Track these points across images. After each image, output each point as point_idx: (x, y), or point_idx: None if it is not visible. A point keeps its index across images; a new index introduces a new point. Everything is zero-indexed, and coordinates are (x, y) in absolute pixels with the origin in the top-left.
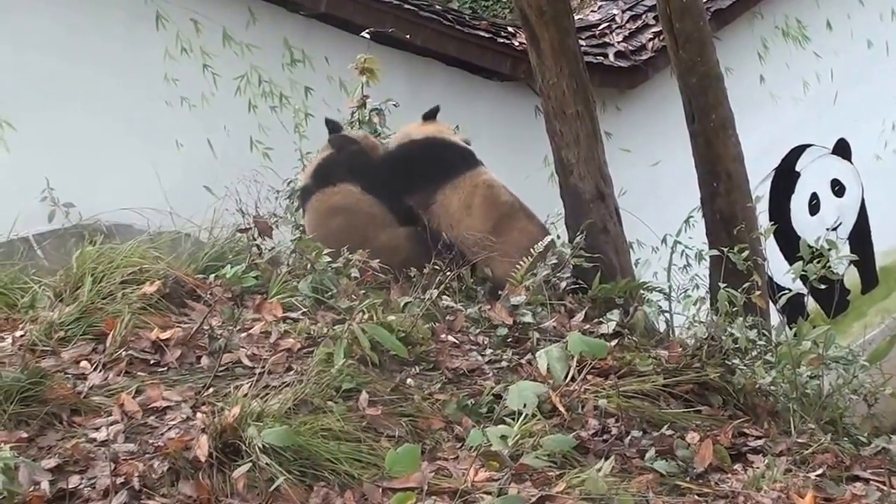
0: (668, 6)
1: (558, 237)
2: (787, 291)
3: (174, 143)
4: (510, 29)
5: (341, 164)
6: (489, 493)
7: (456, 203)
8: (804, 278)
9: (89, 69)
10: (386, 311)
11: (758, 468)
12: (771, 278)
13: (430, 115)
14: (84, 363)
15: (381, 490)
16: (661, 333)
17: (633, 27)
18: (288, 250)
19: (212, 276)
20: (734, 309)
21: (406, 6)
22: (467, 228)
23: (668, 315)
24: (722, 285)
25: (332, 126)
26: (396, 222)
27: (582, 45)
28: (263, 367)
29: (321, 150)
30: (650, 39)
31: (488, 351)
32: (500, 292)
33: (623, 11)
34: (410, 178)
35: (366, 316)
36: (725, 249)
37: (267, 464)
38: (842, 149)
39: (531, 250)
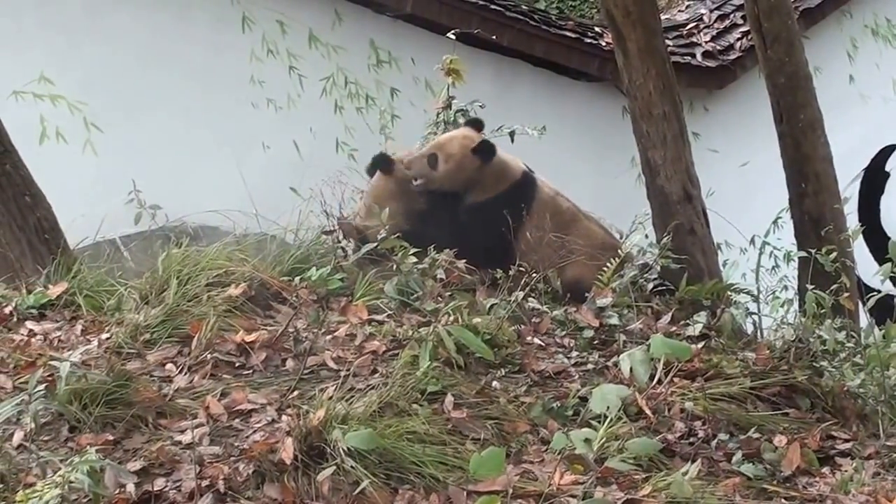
0: (756, 5)
1: (646, 237)
2: (876, 293)
3: (260, 145)
4: (597, 29)
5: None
6: (574, 497)
7: (531, 230)
8: (894, 279)
9: (175, 71)
10: (471, 313)
11: (846, 471)
12: (860, 280)
13: (478, 126)
14: (169, 366)
15: (465, 493)
16: (749, 335)
17: (721, 27)
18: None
19: (297, 279)
20: (822, 311)
21: (492, 7)
22: (546, 245)
23: (755, 317)
24: (810, 287)
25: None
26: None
27: (669, 46)
28: (348, 369)
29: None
30: (738, 39)
31: (574, 353)
32: (577, 294)
33: (711, 11)
34: (492, 232)
35: (451, 318)
36: (814, 251)
37: (352, 467)
38: None
39: (598, 250)
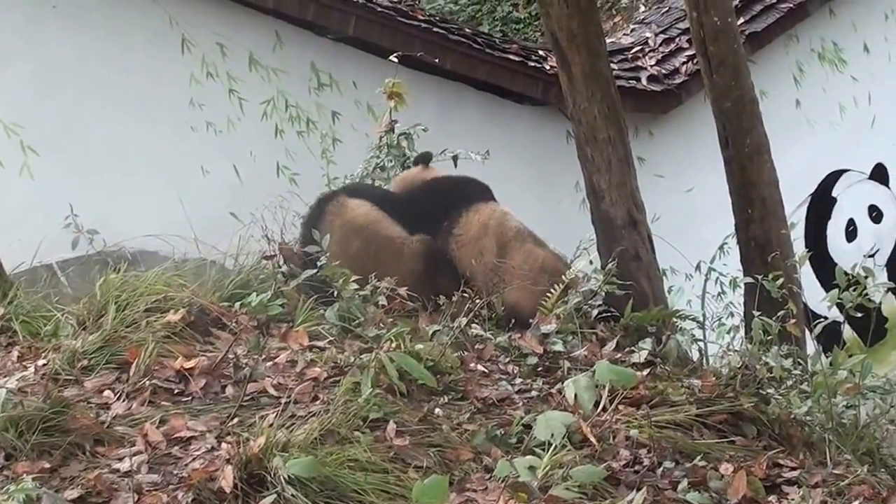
0: (702, 29)
1: (591, 262)
2: (823, 319)
3: (199, 169)
4: (541, 53)
5: (371, 188)
6: None
7: (476, 223)
8: (840, 306)
9: (114, 94)
10: (414, 339)
11: (793, 500)
12: (806, 306)
13: (425, 160)
14: (107, 392)
15: None
16: (695, 362)
17: (667, 50)
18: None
19: (237, 304)
20: (769, 337)
21: (435, 30)
22: (482, 249)
23: (701, 344)
24: (756, 313)
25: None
26: (413, 248)
27: (614, 69)
28: (289, 396)
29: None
30: (683, 63)
31: (518, 380)
32: (513, 318)
33: (656, 34)
34: (434, 209)
35: (393, 344)
36: (760, 277)
37: (292, 495)
38: (879, 174)
39: (541, 275)
